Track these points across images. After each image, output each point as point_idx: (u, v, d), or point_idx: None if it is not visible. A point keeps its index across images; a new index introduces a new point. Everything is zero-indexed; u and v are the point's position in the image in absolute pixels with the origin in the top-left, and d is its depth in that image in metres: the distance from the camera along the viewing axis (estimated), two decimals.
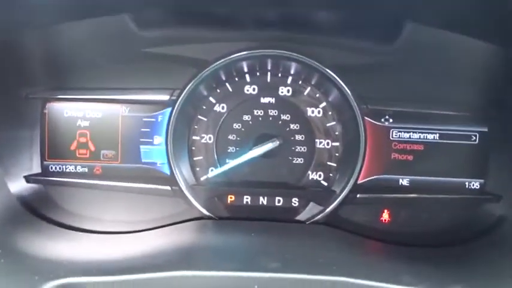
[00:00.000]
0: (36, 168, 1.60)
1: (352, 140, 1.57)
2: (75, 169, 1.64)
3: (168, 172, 1.60)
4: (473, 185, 1.63)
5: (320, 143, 1.62)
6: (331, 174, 1.63)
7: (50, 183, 1.61)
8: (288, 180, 1.63)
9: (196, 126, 1.62)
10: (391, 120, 1.61)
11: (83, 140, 1.63)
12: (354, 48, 1.56)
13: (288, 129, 1.61)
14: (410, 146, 1.62)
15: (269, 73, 1.61)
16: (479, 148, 1.61)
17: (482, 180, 1.62)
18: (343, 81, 1.54)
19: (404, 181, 1.63)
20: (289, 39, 1.55)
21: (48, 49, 1.51)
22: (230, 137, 1.62)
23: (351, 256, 1.31)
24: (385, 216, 1.62)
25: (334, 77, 1.54)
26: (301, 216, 1.60)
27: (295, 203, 1.63)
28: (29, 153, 1.58)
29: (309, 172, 1.62)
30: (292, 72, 1.60)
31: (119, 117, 1.62)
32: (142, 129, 1.61)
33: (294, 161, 1.62)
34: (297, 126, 1.61)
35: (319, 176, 1.63)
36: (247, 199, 1.63)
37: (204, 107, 1.61)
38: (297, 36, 1.55)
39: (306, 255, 1.25)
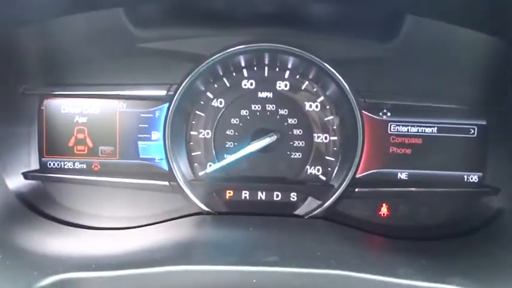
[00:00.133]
0: (34, 165, 1.60)
1: (350, 134, 1.57)
2: (74, 165, 1.64)
3: (166, 168, 1.60)
4: (471, 178, 1.63)
5: (318, 137, 1.62)
6: (329, 169, 1.63)
7: (48, 180, 1.61)
8: (286, 175, 1.63)
9: (194, 122, 1.62)
10: (389, 114, 1.61)
11: (80, 136, 1.62)
12: (351, 42, 1.56)
13: (285, 123, 1.61)
14: (408, 140, 1.62)
15: (266, 67, 1.60)
16: (478, 141, 1.61)
17: (480, 174, 1.62)
18: (340, 75, 1.53)
19: (402, 175, 1.63)
20: (286, 33, 1.55)
21: (44, 45, 1.50)
22: (228, 132, 1.62)
23: (350, 250, 1.31)
24: (384, 210, 1.62)
25: (331, 71, 1.53)
26: (299, 211, 1.60)
27: (293, 198, 1.63)
28: (27, 150, 1.58)
29: (307, 167, 1.63)
30: (289, 66, 1.59)
31: (116, 113, 1.61)
32: (140, 125, 1.61)
33: (292, 156, 1.62)
34: (294, 121, 1.61)
35: (318, 170, 1.63)
36: (245, 194, 1.63)
37: (202, 102, 1.61)
38: (294, 30, 1.54)
39: (305, 249, 1.26)
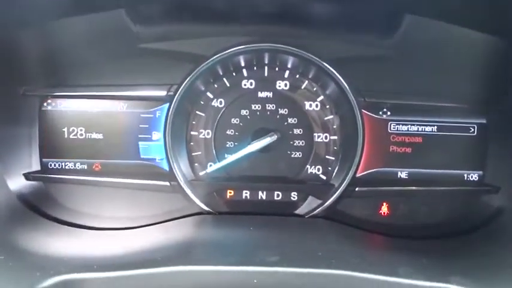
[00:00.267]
0: (36, 166, 1.61)
1: (350, 134, 1.58)
2: (74, 166, 1.64)
3: (167, 168, 1.60)
4: (471, 176, 1.63)
5: (318, 136, 1.62)
6: (329, 168, 1.63)
7: (49, 181, 1.61)
8: (287, 174, 1.63)
9: (194, 122, 1.62)
10: (389, 113, 1.61)
11: (81, 137, 1.63)
12: (351, 42, 1.56)
13: (285, 123, 1.61)
14: (408, 139, 1.62)
15: (266, 67, 1.61)
16: (478, 140, 1.61)
17: (480, 172, 1.62)
18: (340, 75, 1.53)
19: (403, 174, 1.63)
20: (286, 33, 1.55)
21: (45, 46, 1.50)
22: (228, 131, 1.62)
23: (350, 249, 1.31)
24: (384, 209, 1.62)
25: (331, 71, 1.54)
26: (300, 210, 1.60)
27: (294, 197, 1.64)
28: (28, 151, 1.59)
29: (308, 166, 1.63)
30: (289, 66, 1.60)
31: (117, 113, 1.62)
32: (140, 125, 1.62)
33: (292, 155, 1.63)
34: (294, 120, 1.61)
35: (318, 169, 1.63)
36: (246, 194, 1.63)
37: (202, 102, 1.62)
38: (294, 30, 1.54)
39: (305, 249, 1.26)
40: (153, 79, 1.57)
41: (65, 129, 1.62)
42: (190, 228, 1.47)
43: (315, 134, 1.62)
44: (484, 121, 1.61)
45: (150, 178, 1.59)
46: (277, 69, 1.61)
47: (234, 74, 1.60)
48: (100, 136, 1.63)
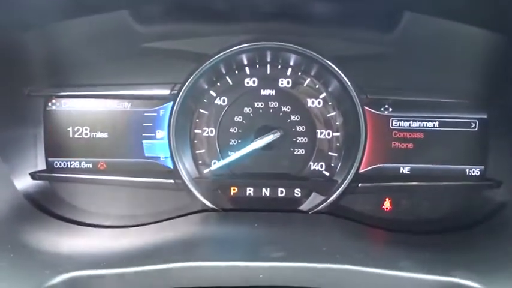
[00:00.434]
0: (41, 165, 1.62)
1: (353, 130, 1.59)
2: (80, 165, 1.65)
3: (171, 166, 1.61)
4: (473, 171, 1.64)
5: (321, 133, 1.63)
6: (332, 164, 1.64)
7: (55, 180, 1.63)
8: (290, 171, 1.64)
9: (197, 120, 1.63)
10: (390, 109, 1.62)
11: (86, 136, 1.64)
12: (352, 39, 1.57)
13: (288, 120, 1.62)
14: (410, 135, 1.63)
15: (268, 65, 1.62)
16: (479, 135, 1.62)
17: (482, 167, 1.63)
18: (342, 72, 1.54)
19: (405, 169, 1.64)
20: (288, 30, 1.56)
21: (49, 47, 1.52)
22: (231, 129, 1.63)
23: (354, 244, 1.32)
24: (387, 204, 1.63)
25: (333, 68, 1.54)
26: (303, 207, 1.61)
27: (297, 194, 1.65)
28: (34, 151, 1.60)
29: (311, 163, 1.64)
30: (291, 63, 1.61)
31: (121, 112, 1.63)
32: (144, 124, 1.63)
33: (295, 152, 1.64)
34: (297, 118, 1.63)
35: (321, 166, 1.64)
36: (250, 191, 1.65)
37: (205, 101, 1.63)
38: (295, 28, 1.55)
39: (310, 244, 1.27)
40: (156, 78, 1.58)
41: (70, 129, 1.64)
42: (195, 225, 1.49)
43: (317, 131, 1.63)
44: (485, 116, 1.62)
45: (154, 176, 1.61)
46: (279, 67, 1.62)
47: (236, 72, 1.62)
48: (104, 135, 1.64)
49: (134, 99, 1.62)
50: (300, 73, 1.62)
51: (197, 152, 1.64)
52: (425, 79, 1.58)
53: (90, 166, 1.65)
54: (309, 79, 1.62)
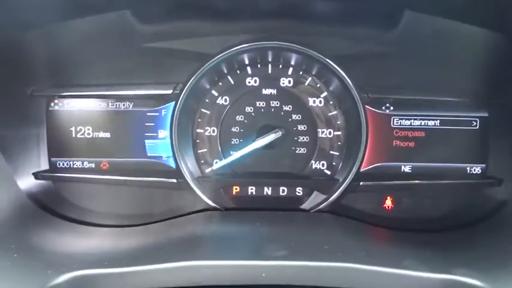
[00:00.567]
0: (44, 165, 1.63)
1: (354, 129, 1.59)
2: (82, 165, 1.66)
3: (173, 165, 1.62)
4: (474, 169, 1.64)
5: (322, 132, 1.63)
6: (334, 163, 1.65)
7: (58, 179, 1.63)
8: (292, 170, 1.65)
9: (199, 119, 1.64)
10: (391, 108, 1.62)
11: (88, 136, 1.64)
12: (353, 38, 1.57)
13: (290, 119, 1.63)
14: (411, 133, 1.63)
15: (270, 64, 1.62)
16: (480, 133, 1.62)
17: (483, 165, 1.64)
18: (343, 71, 1.55)
19: (406, 168, 1.64)
20: (289, 30, 1.56)
21: (51, 47, 1.52)
22: (233, 129, 1.64)
23: (356, 243, 1.33)
24: (388, 203, 1.64)
25: (334, 67, 1.55)
26: (305, 205, 1.62)
27: (299, 193, 1.65)
28: (37, 151, 1.61)
29: (312, 161, 1.64)
30: (292, 63, 1.61)
31: (123, 112, 1.63)
32: (146, 124, 1.63)
33: (297, 151, 1.64)
34: (299, 117, 1.63)
35: (322, 165, 1.65)
36: (252, 190, 1.65)
37: (207, 100, 1.63)
38: (297, 27, 1.55)
39: (312, 243, 1.27)
40: (158, 78, 1.59)
41: (73, 129, 1.64)
42: (197, 224, 1.49)
43: (319, 130, 1.63)
44: (485, 114, 1.62)
45: (157, 176, 1.61)
46: (280, 66, 1.62)
47: (238, 71, 1.62)
48: (107, 135, 1.64)
49: (136, 99, 1.62)
50: (301, 72, 1.62)
51: (199, 151, 1.65)
52: (426, 78, 1.59)
53: (93, 166, 1.66)
54: (310, 78, 1.62)
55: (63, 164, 1.65)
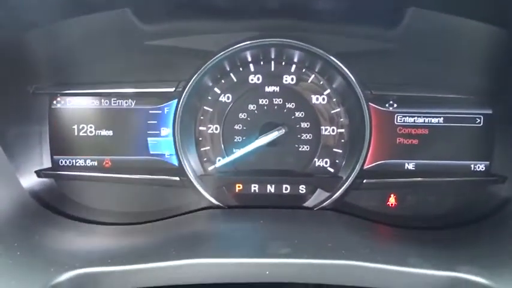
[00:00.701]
0: (47, 163, 1.62)
1: (357, 126, 1.59)
2: (85, 163, 1.66)
3: (176, 163, 1.62)
4: (478, 167, 1.64)
5: (325, 130, 1.63)
6: (337, 161, 1.64)
7: (60, 177, 1.63)
8: (295, 167, 1.65)
9: (202, 117, 1.64)
10: (395, 105, 1.61)
11: (91, 133, 1.64)
12: (356, 35, 1.56)
13: (293, 117, 1.63)
14: (415, 131, 1.63)
15: (273, 62, 1.62)
16: (484, 130, 1.62)
17: (487, 162, 1.63)
18: (346, 68, 1.54)
19: (410, 165, 1.64)
20: (292, 27, 1.55)
21: (53, 45, 1.52)
22: (236, 126, 1.63)
23: (359, 240, 1.33)
24: (392, 200, 1.63)
25: (337, 64, 1.54)
26: (308, 203, 1.61)
27: (302, 190, 1.65)
28: (39, 149, 1.61)
29: (315, 159, 1.64)
30: (295, 60, 1.61)
31: (125, 110, 1.63)
32: (149, 122, 1.63)
33: (300, 149, 1.64)
34: (302, 114, 1.63)
35: (326, 162, 1.64)
36: (255, 187, 1.65)
37: (210, 98, 1.63)
38: (299, 24, 1.55)
39: (315, 240, 1.27)
40: (161, 76, 1.59)
41: (75, 127, 1.64)
42: (201, 222, 1.49)
43: (322, 127, 1.63)
44: (489, 111, 1.61)
45: (159, 173, 1.61)
46: (283, 63, 1.62)
47: (241, 69, 1.62)
48: (109, 133, 1.64)
49: (139, 97, 1.62)
50: (304, 69, 1.62)
51: (202, 149, 1.65)
52: (429, 75, 1.58)
53: (96, 164, 1.66)
54: (313, 75, 1.62)
55: (65, 162, 1.65)
